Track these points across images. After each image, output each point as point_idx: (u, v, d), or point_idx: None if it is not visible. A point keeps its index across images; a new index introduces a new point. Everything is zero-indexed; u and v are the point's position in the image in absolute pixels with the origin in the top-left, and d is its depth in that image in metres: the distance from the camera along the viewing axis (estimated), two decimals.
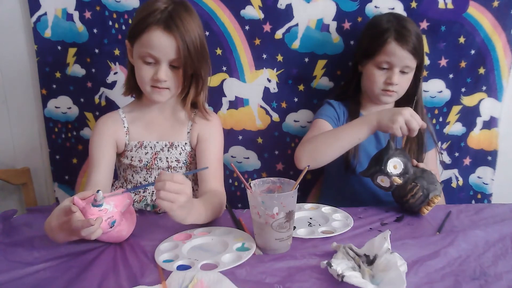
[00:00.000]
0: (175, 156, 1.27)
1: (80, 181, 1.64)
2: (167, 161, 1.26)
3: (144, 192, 1.27)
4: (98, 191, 0.88)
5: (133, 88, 1.27)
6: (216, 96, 1.54)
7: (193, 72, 1.20)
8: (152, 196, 1.27)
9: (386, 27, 1.31)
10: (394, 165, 1.10)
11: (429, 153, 1.45)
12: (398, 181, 1.08)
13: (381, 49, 1.31)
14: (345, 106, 1.44)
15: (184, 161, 1.28)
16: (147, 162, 1.26)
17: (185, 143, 1.28)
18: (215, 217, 1.12)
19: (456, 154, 1.59)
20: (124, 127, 1.27)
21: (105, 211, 0.89)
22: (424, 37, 1.47)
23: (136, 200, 1.26)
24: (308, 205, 1.19)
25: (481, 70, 1.50)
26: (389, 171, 1.09)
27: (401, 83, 1.33)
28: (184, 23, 1.13)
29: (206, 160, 1.25)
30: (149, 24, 1.12)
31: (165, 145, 1.27)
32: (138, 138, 1.27)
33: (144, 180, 1.28)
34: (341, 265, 0.78)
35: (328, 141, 1.20)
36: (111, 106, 1.56)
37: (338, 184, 1.43)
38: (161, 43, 1.12)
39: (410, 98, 1.37)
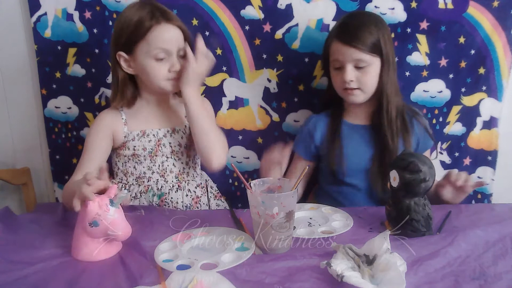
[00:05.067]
0: (177, 140, 1.33)
1: None
2: (170, 146, 1.31)
3: (148, 181, 1.30)
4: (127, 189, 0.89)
5: (130, 97, 1.29)
6: (216, 96, 1.54)
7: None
8: (157, 184, 1.30)
9: (332, 29, 1.36)
10: None
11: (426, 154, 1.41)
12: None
13: (330, 50, 1.33)
14: (325, 115, 1.43)
15: (185, 145, 1.34)
16: (152, 149, 1.29)
17: (185, 126, 1.35)
18: (220, 141, 1.27)
19: (456, 154, 1.58)
20: (122, 118, 1.30)
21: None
22: (424, 37, 1.48)
23: (142, 191, 1.29)
24: (308, 205, 1.19)
25: (481, 70, 1.50)
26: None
27: (362, 79, 1.28)
28: (174, 14, 1.24)
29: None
30: (151, 24, 1.18)
31: (167, 131, 1.32)
32: (139, 128, 1.30)
33: (148, 169, 1.30)
34: (340, 265, 0.78)
35: None
36: None
37: (330, 193, 1.42)
38: (171, 34, 1.21)
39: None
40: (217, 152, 1.25)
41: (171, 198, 1.31)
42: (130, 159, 1.30)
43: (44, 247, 0.96)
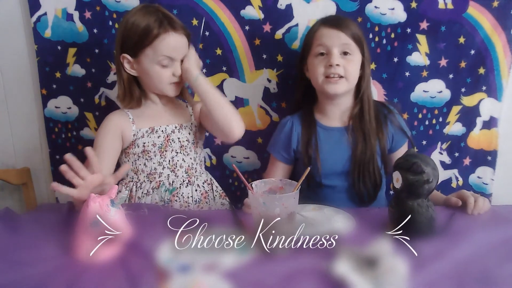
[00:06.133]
0: (185, 136, 1.37)
1: None
2: (179, 141, 1.35)
3: (160, 177, 1.32)
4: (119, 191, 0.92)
5: (138, 97, 1.32)
6: None
7: None
8: (168, 179, 1.33)
9: (316, 22, 1.37)
10: None
11: (400, 151, 1.39)
12: None
13: (314, 38, 1.33)
14: (299, 116, 1.43)
15: (192, 141, 1.38)
16: (161, 144, 1.32)
17: (191, 123, 1.40)
18: (235, 110, 1.32)
19: (456, 154, 1.59)
20: (130, 118, 1.32)
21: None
22: (424, 37, 1.48)
23: (153, 186, 1.32)
24: (310, 206, 1.19)
25: (481, 70, 1.50)
26: None
27: (346, 66, 1.28)
28: (179, 22, 1.27)
29: None
30: (159, 32, 1.22)
31: (175, 127, 1.36)
32: (148, 125, 1.33)
33: (159, 165, 1.32)
34: (342, 267, 0.78)
35: None
36: (111, 106, 1.56)
37: (308, 195, 1.35)
38: (178, 43, 1.25)
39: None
40: (236, 119, 1.31)
41: (182, 193, 1.33)
42: (140, 156, 1.32)
43: (45, 247, 0.96)
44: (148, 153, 1.32)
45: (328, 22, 1.32)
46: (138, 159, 1.33)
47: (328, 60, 1.28)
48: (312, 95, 1.43)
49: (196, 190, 1.36)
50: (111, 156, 1.29)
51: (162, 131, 1.33)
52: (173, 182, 1.33)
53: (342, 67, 1.28)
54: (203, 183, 1.39)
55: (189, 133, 1.38)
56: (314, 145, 1.36)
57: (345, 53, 1.29)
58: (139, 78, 1.32)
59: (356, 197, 1.36)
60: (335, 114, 1.39)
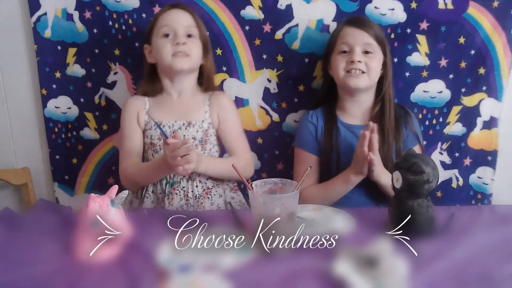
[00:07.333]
0: (192, 134, 1.37)
1: (80, 181, 1.63)
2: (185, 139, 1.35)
3: None
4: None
5: (158, 85, 1.41)
6: None
7: (203, 43, 1.38)
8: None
9: (341, 21, 1.41)
10: None
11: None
12: None
13: (338, 37, 1.37)
14: (321, 111, 1.45)
15: (200, 139, 1.38)
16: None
17: (203, 121, 1.38)
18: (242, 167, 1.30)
19: (456, 154, 1.58)
20: (145, 107, 1.40)
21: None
22: (424, 37, 1.48)
23: None
24: (310, 206, 1.19)
25: (481, 70, 1.50)
26: None
27: (368, 63, 1.32)
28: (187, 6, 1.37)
29: (230, 137, 1.42)
30: (161, 11, 1.35)
31: (183, 124, 1.37)
32: (157, 119, 1.35)
33: None
34: (342, 268, 0.78)
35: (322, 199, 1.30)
36: (111, 106, 1.56)
37: None
38: (178, 16, 1.34)
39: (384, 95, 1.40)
40: (250, 172, 1.43)
41: (183, 187, 1.35)
42: (149, 147, 1.38)
43: (45, 247, 0.96)
44: (154, 146, 1.37)
45: (352, 22, 1.37)
46: (148, 149, 1.39)
47: (350, 57, 1.33)
48: (334, 92, 1.45)
49: (197, 186, 1.35)
50: (140, 137, 1.39)
51: (169, 126, 1.36)
52: (174, 175, 1.35)
53: (364, 63, 1.32)
54: (207, 179, 1.37)
55: (197, 131, 1.37)
56: (334, 140, 1.39)
57: (366, 52, 1.33)
58: (158, 68, 1.39)
59: (372, 195, 1.36)
60: (356, 112, 1.42)
